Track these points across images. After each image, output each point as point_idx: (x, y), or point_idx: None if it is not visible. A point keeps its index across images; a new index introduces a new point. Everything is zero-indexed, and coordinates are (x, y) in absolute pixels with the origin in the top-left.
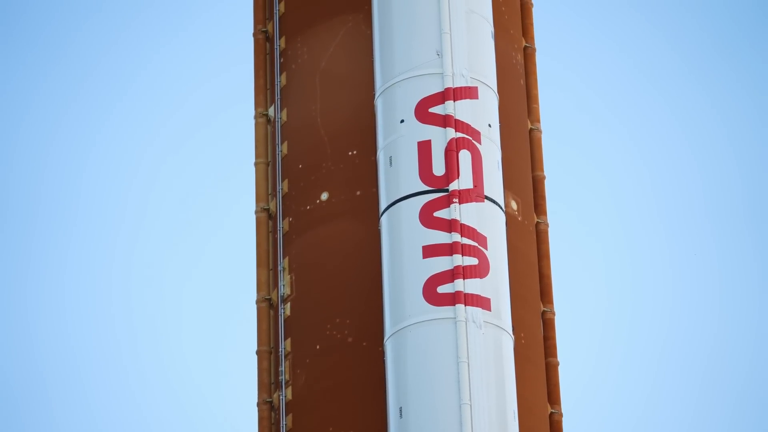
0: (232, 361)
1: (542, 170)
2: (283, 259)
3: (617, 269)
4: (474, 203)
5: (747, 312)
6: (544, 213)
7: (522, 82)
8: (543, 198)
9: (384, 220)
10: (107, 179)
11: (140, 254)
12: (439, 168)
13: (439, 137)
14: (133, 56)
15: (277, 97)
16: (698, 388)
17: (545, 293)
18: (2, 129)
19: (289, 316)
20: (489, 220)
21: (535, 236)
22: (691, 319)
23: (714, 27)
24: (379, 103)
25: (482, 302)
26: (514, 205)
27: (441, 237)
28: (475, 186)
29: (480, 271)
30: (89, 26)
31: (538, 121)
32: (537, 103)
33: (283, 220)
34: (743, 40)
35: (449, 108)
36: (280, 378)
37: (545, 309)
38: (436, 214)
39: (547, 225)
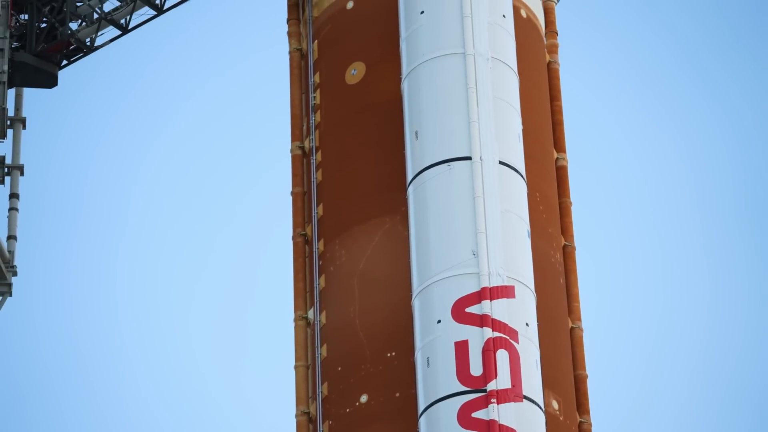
0: None
1: (584, 369)
2: None
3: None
4: (512, 403)
5: (737, 310)
6: (587, 412)
7: (561, 280)
8: (585, 397)
9: (422, 423)
10: None
11: None
12: (476, 368)
13: (477, 337)
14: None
15: (316, 300)
16: (688, 386)
17: None
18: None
19: None
20: (528, 421)
21: None
22: (682, 318)
23: (713, 28)
24: (416, 304)
25: None
26: (555, 404)
27: None
28: (513, 386)
29: None
30: None
31: (579, 319)
32: (578, 301)
33: (323, 423)
34: (739, 41)
35: (486, 308)
36: None
37: None
38: (475, 414)
39: (590, 425)
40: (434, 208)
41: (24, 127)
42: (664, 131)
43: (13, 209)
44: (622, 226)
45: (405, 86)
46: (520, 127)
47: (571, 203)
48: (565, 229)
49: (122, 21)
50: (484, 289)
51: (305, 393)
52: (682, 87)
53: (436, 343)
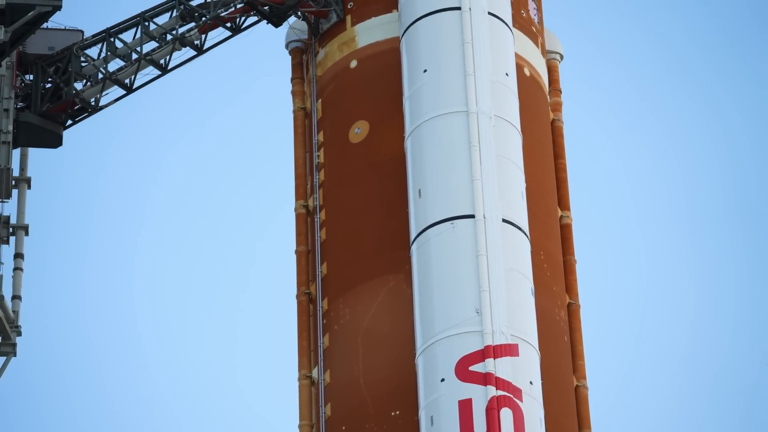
0: None
1: (590, 428)
2: None
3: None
4: None
5: (724, 309)
6: None
7: (566, 338)
8: None
9: None
10: None
11: None
12: (480, 427)
13: (480, 396)
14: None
15: (320, 358)
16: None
17: None
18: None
19: None
20: None
21: None
22: (692, 372)
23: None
24: (420, 362)
25: None
26: None
27: None
28: None
29: None
30: None
31: (584, 377)
32: (582, 359)
33: None
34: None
35: (489, 366)
36: None
37: None
38: None
39: None
40: (437, 266)
41: (29, 187)
42: (671, 186)
43: (17, 269)
44: (628, 282)
45: (408, 144)
46: (524, 184)
47: (575, 261)
48: (570, 286)
49: (127, 81)
50: (487, 347)
51: None
52: (691, 133)
53: (439, 401)
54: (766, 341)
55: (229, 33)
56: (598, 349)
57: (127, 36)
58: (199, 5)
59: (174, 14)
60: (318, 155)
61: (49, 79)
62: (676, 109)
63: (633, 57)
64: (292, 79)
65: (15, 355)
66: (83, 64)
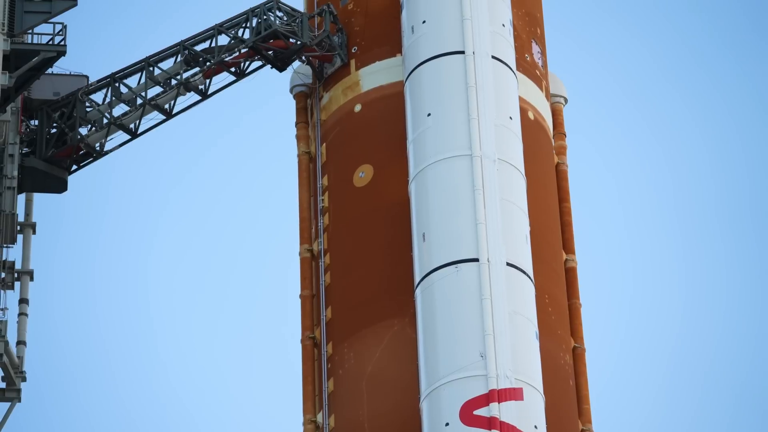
0: None
1: None
2: None
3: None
4: None
5: (713, 309)
6: None
7: (571, 382)
8: None
9: None
10: None
11: None
12: None
13: None
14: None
15: (325, 403)
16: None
17: None
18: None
19: None
20: None
21: None
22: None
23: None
24: (425, 407)
25: None
26: None
27: None
28: None
29: None
30: None
31: (590, 422)
32: (588, 403)
33: None
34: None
35: (494, 410)
36: None
37: None
38: None
39: None
40: (442, 310)
41: (34, 233)
42: (675, 230)
43: (22, 314)
44: (635, 326)
45: (412, 188)
46: (528, 228)
47: (580, 305)
48: (575, 330)
49: (131, 125)
50: (492, 391)
51: None
52: (699, 175)
53: None
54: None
55: (233, 78)
56: (604, 393)
57: (132, 81)
58: (204, 50)
59: (178, 59)
60: (323, 199)
61: (54, 125)
62: (685, 151)
63: (639, 100)
64: (297, 124)
65: (20, 401)
66: (88, 109)
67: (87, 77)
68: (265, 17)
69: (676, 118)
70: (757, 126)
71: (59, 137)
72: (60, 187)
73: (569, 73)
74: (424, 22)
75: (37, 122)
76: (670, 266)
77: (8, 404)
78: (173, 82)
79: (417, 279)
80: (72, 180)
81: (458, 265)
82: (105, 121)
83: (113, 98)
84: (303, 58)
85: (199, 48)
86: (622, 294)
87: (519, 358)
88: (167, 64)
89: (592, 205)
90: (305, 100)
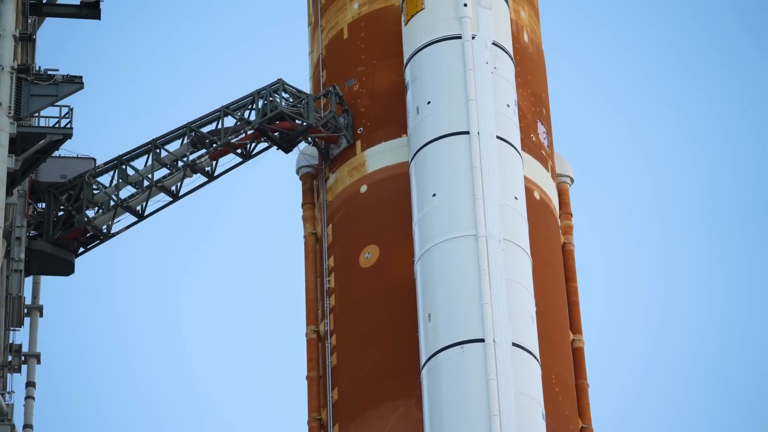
0: None
1: None
2: None
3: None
4: None
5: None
6: None
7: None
8: None
9: None
10: None
11: None
12: None
13: None
14: None
15: None
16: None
17: None
18: None
19: None
20: None
21: None
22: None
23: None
24: None
25: None
26: None
27: None
28: None
29: None
30: None
31: None
32: None
33: None
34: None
35: None
36: None
37: None
38: None
39: None
40: (448, 391)
41: (41, 315)
42: (684, 307)
43: (29, 398)
44: (643, 407)
45: (418, 268)
46: (534, 308)
47: (587, 385)
48: (583, 411)
49: (138, 207)
50: None
51: None
52: (709, 263)
53: None
54: None
55: (239, 159)
56: None
57: (139, 163)
58: (210, 132)
59: (185, 141)
60: (329, 280)
61: (61, 207)
62: (688, 229)
63: (643, 176)
64: (303, 205)
65: None
66: (95, 192)
67: (94, 159)
68: (271, 99)
69: (689, 183)
70: None
71: (66, 220)
72: (67, 269)
73: (576, 153)
74: (429, 102)
75: (43, 205)
76: (681, 343)
77: None
78: (180, 164)
79: (423, 359)
80: (79, 262)
81: (464, 345)
82: (112, 203)
83: (120, 180)
84: (309, 139)
85: (205, 130)
86: (633, 373)
87: None
88: (174, 146)
89: (600, 285)
90: (311, 180)
